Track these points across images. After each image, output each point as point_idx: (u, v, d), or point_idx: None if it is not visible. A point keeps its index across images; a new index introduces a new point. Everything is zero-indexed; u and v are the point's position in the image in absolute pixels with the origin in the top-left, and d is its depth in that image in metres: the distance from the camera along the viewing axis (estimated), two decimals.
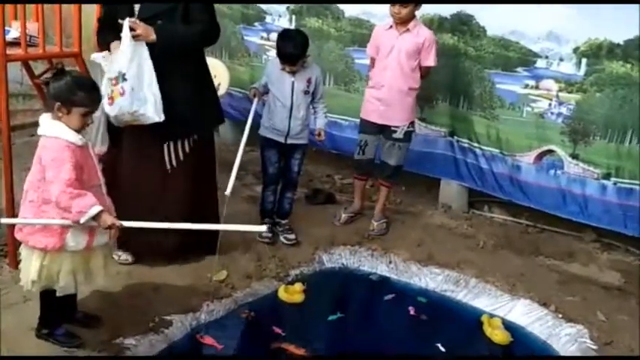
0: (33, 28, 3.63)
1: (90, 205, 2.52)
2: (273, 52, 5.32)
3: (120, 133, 3.40)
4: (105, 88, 3.18)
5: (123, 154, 3.43)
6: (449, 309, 3.66)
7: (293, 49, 3.74)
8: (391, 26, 4.09)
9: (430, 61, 4.09)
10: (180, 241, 3.44)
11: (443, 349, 3.24)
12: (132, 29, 3.14)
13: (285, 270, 3.75)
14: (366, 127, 4.30)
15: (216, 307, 3.29)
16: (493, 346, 3.29)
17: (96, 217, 2.54)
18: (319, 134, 3.98)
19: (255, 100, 3.84)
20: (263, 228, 2.73)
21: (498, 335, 3.32)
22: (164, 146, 3.42)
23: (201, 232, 3.05)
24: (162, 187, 3.45)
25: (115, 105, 3.19)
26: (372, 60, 4.29)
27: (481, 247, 4.23)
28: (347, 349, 3.24)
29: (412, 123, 4.25)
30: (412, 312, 3.54)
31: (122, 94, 3.16)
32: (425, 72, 4.17)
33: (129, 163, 3.43)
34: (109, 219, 2.58)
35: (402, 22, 4.03)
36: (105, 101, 3.18)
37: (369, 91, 4.26)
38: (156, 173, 3.44)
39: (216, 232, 3.32)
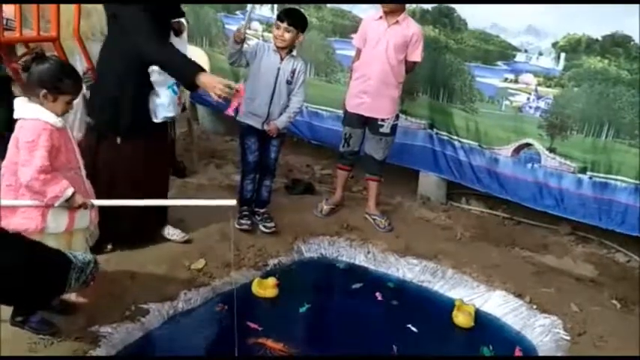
0: (10, 11, 3.57)
1: (64, 189, 2.55)
2: (254, 41, 5.30)
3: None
4: (169, 93, 3.41)
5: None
6: (421, 296, 3.71)
7: (296, 11, 3.87)
8: (380, 17, 4.08)
9: (417, 56, 4.10)
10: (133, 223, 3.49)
11: (415, 329, 3.29)
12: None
13: (263, 259, 3.75)
14: (351, 119, 4.30)
15: (194, 295, 3.28)
16: (456, 328, 3.36)
17: (69, 199, 2.57)
18: (269, 125, 3.88)
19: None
20: (233, 202, 2.73)
21: (459, 317, 3.38)
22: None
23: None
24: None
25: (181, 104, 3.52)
26: (359, 51, 4.26)
27: (458, 238, 4.26)
28: (322, 339, 3.27)
29: (397, 116, 4.28)
30: (379, 297, 3.58)
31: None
32: (410, 67, 4.19)
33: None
34: (79, 199, 2.61)
35: (392, 13, 4.03)
36: (173, 105, 3.46)
37: (355, 84, 4.24)
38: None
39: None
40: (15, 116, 2.61)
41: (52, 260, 1.69)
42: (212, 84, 3.10)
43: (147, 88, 3.41)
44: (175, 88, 3.45)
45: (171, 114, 3.48)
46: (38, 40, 3.56)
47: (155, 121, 3.47)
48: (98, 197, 2.83)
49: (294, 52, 3.89)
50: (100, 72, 3.49)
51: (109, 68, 3.39)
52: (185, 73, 3.19)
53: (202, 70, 3.20)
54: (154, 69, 3.33)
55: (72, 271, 1.72)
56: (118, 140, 3.41)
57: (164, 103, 3.42)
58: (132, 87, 3.35)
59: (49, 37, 3.58)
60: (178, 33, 3.48)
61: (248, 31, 5.36)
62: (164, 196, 3.69)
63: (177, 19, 3.45)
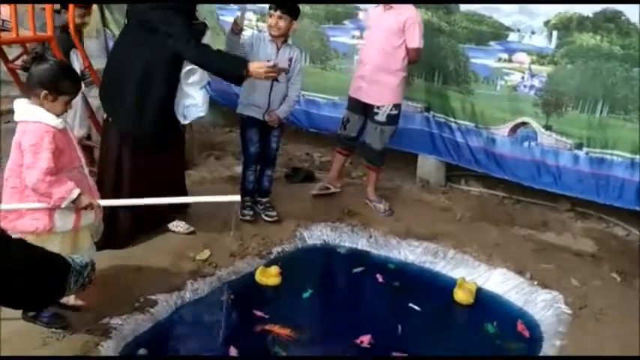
0: (5, 12, 3.60)
1: (70, 190, 2.59)
2: (249, 32, 5.33)
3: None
4: (203, 92, 3.50)
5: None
6: (423, 276, 3.76)
7: None
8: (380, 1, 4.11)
9: (415, 42, 4.06)
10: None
11: (418, 308, 3.36)
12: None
13: (267, 248, 3.80)
14: (351, 104, 4.34)
15: (200, 285, 3.33)
16: (459, 306, 3.42)
17: (75, 200, 2.61)
18: (271, 116, 3.91)
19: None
20: (237, 198, 2.82)
21: (459, 294, 3.44)
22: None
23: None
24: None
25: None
26: None
27: (458, 219, 4.31)
28: (327, 322, 3.35)
29: (397, 106, 4.22)
30: (380, 279, 3.63)
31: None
32: (412, 55, 4.13)
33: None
34: (85, 200, 2.64)
35: None
36: (206, 104, 3.53)
37: (357, 69, 4.29)
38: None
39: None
40: (16, 119, 2.64)
41: (51, 264, 1.74)
42: (260, 72, 3.33)
43: (173, 92, 3.45)
44: (208, 87, 3.52)
45: (202, 113, 3.55)
46: (35, 39, 3.59)
47: (185, 122, 3.58)
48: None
49: (290, 41, 3.92)
50: (117, 77, 3.43)
51: (129, 74, 3.37)
52: (234, 69, 3.35)
53: (247, 61, 3.36)
54: (194, 69, 3.39)
55: (71, 274, 1.76)
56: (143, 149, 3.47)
57: (197, 103, 3.49)
58: (159, 93, 3.39)
59: (46, 36, 3.62)
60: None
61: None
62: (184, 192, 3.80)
63: (198, 21, 3.51)
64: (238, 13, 3.83)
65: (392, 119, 4.23)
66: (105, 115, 3.54)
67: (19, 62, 3.67)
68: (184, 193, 3.81)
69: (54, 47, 3.60)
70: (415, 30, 4.04)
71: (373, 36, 4.13)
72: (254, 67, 3.34)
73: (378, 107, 4.19)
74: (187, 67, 3.39)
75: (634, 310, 3.27)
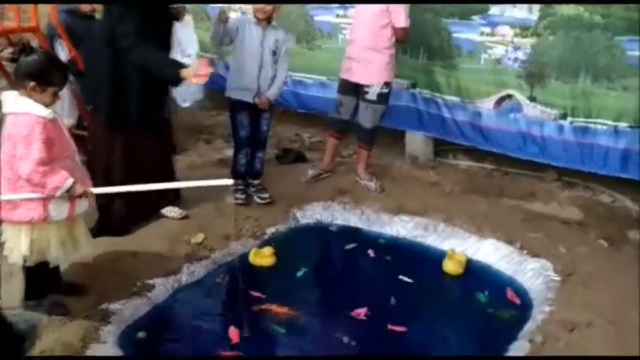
0: None
1: (63, 180, 2.61)
2: (233, 15, 5.32)
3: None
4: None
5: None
6: (414, 250, 3.83)
7: None
8: None
9: (400, 21, 4.07)
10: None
11: (408, 279, 3.43)
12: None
13: (261, 229, 3.84)
14: (342, 86, 4.34)
15: (196, 268, 3.38)
16: (450, 277, 3.51)
17: (69, 189, 2.63)
18: (261, 99, 3.91)
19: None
20: (230, 182, 2.88)
21: (448, 265, 3.52)
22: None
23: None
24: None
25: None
26: None
27: (448, 193, 4.36)
28: (322, 299, 3.41)
29: (387, 84, 4.23)
30: (372, 255, 3.70)
31: None
32: (400, 34, 4.14)
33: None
34: (79, 188, 2.67)
35: None
36: (202, 89, 3.81)
37: (347, 50, 4.30)
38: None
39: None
40: (4, 111, 2.64)
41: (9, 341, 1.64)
42: (190, 76, 3.32)
43: (149, 79, 3.46)
44: None
45: (200, 97, 3.69)
46: (19, 30, 3.59)
47: (185, 105, 3.76)
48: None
49: (274, 23, 3.93)
50: (96, 67, 3.48)
51: (106, 64, 3.41)
52: (170, 73, 3.36)
53: (182, 66, 3.37)
54: (191, 54, 3.52)
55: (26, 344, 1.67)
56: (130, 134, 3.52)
57: (193, 90, 3.66)
58: (144, 79, 3.42)
59: (30, 27, 3.62)
60: (179, 18, 3.56)
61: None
62: (172, 176, 3.82)
63: (175, 6, 3.52)
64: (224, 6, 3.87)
65: (382, 98, 4.25)
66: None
67: (4, 54, 3.67)
68: (173, 177, 3.83)
69: (38, 37, 3.60)
70: (401, 10, 4.05)
71: (360, 16, 4.15)
72: (184, 72, 3.34)
73: (368, 86, 4.20)
74: (178, 54, 3.42)
75: (621, 275, 3.35)
